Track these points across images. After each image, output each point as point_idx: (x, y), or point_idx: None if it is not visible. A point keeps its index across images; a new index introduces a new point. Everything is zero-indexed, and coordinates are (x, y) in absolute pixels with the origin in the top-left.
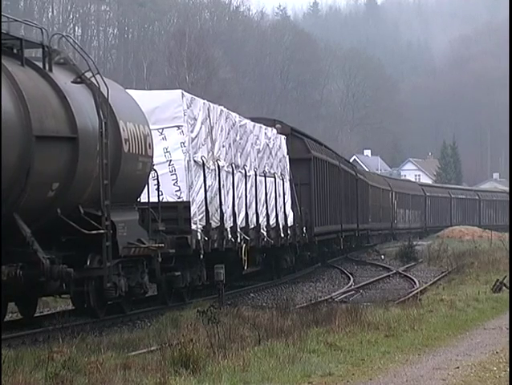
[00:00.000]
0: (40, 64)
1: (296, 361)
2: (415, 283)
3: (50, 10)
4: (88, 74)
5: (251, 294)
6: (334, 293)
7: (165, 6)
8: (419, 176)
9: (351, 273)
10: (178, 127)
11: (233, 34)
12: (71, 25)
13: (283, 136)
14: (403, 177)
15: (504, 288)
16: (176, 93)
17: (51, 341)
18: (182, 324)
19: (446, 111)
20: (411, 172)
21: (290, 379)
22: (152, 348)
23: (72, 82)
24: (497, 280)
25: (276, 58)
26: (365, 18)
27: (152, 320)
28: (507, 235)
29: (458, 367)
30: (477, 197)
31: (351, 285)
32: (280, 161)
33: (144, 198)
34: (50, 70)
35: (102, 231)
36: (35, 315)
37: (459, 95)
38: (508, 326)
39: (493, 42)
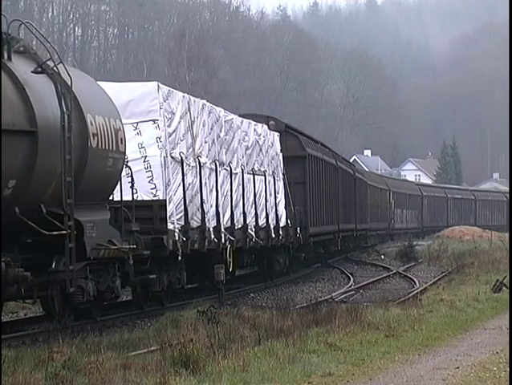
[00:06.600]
0: None
1: (296, 361)
2: (415, 283)
3: (50, 10)
4: (51, 64)
5: (251, 294)
6: (334, 293)
7: (165, 6)
8: (419, 176)
9: (351, 273)
10: (154, 121)
11: (233, 34)
12: (71, 25)
13: (276, 133)
14: (403, 177)
15: (504, 288)
16: (152, 85)
17: (51, 341)
18: (182, 324)
19: (446, 111)
20: (411, 172)
21: (290, 379)
22: (152, 348)
23: (32, 71)
24: (497, 280)
25: (276, 58)
26: (365, 19)
27: (152, 320)
28: (507, 235)
29: (458, 367)
30: (472, 197)
31: (351, 285)
32: (272, 159)
33: (117, 196)
34: (10, 59)
35: (64, 232)
36: (36, 316)
37: (459, 95)
38: (508, 326)
39: (493, 42)
